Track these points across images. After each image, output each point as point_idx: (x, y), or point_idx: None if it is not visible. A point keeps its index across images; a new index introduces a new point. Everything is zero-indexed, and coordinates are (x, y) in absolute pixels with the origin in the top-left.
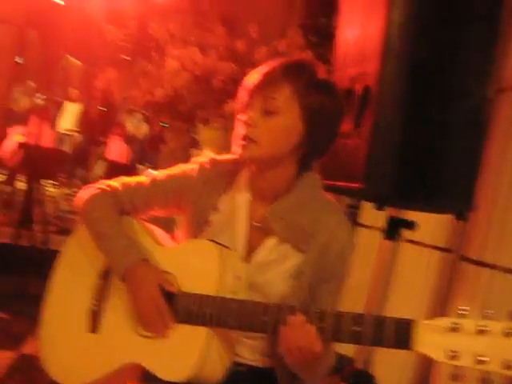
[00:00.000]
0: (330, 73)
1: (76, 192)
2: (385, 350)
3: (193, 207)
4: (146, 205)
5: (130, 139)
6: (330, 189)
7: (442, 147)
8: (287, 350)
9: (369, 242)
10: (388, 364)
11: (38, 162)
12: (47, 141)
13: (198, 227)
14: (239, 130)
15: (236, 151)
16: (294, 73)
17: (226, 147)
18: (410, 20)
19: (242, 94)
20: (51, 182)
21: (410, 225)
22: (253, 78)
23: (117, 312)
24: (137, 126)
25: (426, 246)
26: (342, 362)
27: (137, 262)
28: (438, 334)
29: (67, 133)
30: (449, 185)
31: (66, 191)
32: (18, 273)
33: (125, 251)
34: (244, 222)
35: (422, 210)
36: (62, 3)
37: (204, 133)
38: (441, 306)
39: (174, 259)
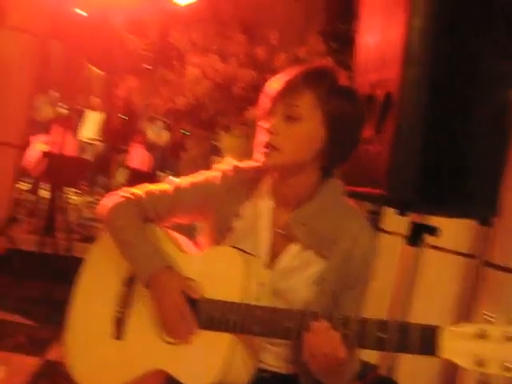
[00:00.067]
0: (351, 79)
1: (98, 200)
2: (409, 356)
3: (216, 214)
4: (170, 212)
5: (151, 147)
6: (351, 195)
7: (464, 152)
8: (311, 356)
9: (391, 248)
10: (412, 371)
11: (61, 171)
12: (70, 149)
13: (221, 234)
14: (261, 137)
15: (258, 158)
16: (316, 79)
17: (247, 154)
18: (431, 25)
19: (264, 102)
20: (74, 190)
21: (432, 230)
22: (274, 85)
23: (141, 318)
24: (158, 133)
25: (449, 251)
26: (366, 368)
27: (161, 269)
28: (465, 341)
29: (89, 141)
30: (472, 190)
31: (89, 199)
32: (43, 280)
33: (149, 258)
34: (267, 229)
35: (445, 215)
36: (85, 14)
37: (225, 140)
38: (465, 312)
39: (197, 266)
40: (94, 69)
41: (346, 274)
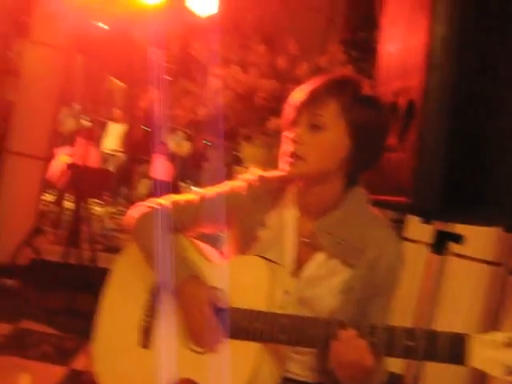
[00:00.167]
0: (373, 87)
1: (121, 211)
2: (435, 365)
3: (241, 224)
4: (196, 222)
5: (173, 157)
6: (374, 203)
7: (489, 160)
8: (338, 364)
9: (415, 256)
10: (438, 380)
11: (84, 182)
12: (93, 161)
13: (247, 243)
14: (286, 147)
15: (283, 168)
16: (340, 89)
17: (268, 164)
18: (454, 32)
19: (288, 112)
20: (97, 201)
21: (457, 238)
22: (298, 95)
23: (168, 328)
24: (179, 144)
25: (474, 259)
26: (392, 378)
27: (187, 279)
28: (494, 349)
29: (112, 153)
30: (497, 197)
31: (111, 210)
32: (68, 290)
33: (175, 268)
34: (292, 238)
35: (470, 223)
36: (106, 27)
37: (247, 150)
38: (491, 320)
39: (223, 275)
40: (116, 81)
41: (372, 282)
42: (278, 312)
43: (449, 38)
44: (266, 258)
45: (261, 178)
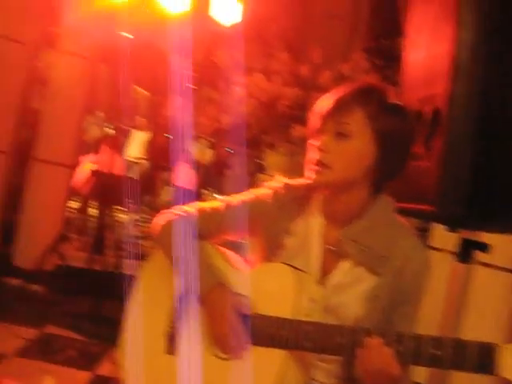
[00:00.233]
0: (398, 95)
1: (144, 218)
2: (460, 375)
3: (266, 231)
4: (221, 230)
5: (195, 165)
6: (399, 211)
7: None
8: (364, 373)
9: (440, 265)
10: None
11: (109, 189)
12: (117, 168)
13: (272, 251)
14: (312, 155)
15: (309, 176)
16: (365, 97)
17: (292, 172)
18: (480, 39)
19: (314, 120)
20: (121, 208)
21: (483, 247)
22: (324, 103)
23: (193, 334)
24: (202, 152)
25: (500, 268)
26: None
27: (212, 286)
28: None
29: (135, 160)
30: None
31: (135, 217)
32: (92, 296)
33: (201, 275)
34: (318, 246)
35: (496, 231)
36: (131, 36)
37: (270, 158)
38: None
39: (249, 282)
40: (140, 89)
41: (398, 290)
42: (303, 319)
43: (475, 45)
44: (291, 266)
45: (286, 185)
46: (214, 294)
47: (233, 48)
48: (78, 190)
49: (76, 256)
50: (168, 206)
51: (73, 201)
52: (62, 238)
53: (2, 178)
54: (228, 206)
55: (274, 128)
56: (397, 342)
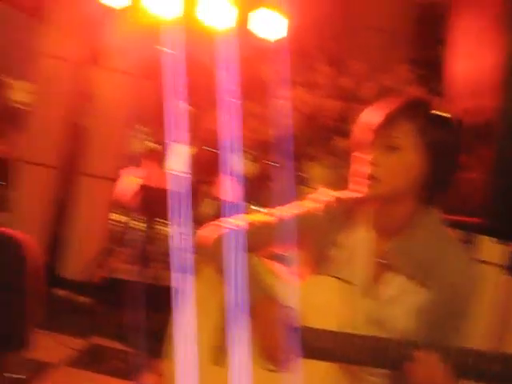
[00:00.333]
0: (443, 106)
1: (187, 231)
2: None
3: (315, 244)
4: (270, 242)
5: (239, 178)
6: (446, 223)
7: None
8: None
9: (487, 278)
10: None
11: (154, 203)
12: (161, 182)
13: (319, 263)
14: (357, 167)
15: (358, 189)
16: (414, 110)
17: (334, 184)
18: None
19: (360, 133)
20: (164, 221)
21: None
22: (371, 117)
23: (242, 346)
24: (245, 165)
25: None
26: None
27: (261, 298)
28: None
29: (177, 173)
30: None
31: (179, 230)
32: (138, 308)
33: (250, 288)
34: (366, 258)
35: None
36: (174, 52)
37: (313, 170)
38: None
39: (296, 294)
40: (182, 103)
41: (447, 303)
42: (351, 332)
43: None
44: (338, 278)
45: (338, 199)
46: (262, 306)
47: (276, 62)
48: (123, 203)
49: (122, 268)
50: (211, 219)
51: (118, 214)
52: (108, 251)
53: (50, 192)
54: (279, 219)
55: (317, 140)
56: (445, 356)
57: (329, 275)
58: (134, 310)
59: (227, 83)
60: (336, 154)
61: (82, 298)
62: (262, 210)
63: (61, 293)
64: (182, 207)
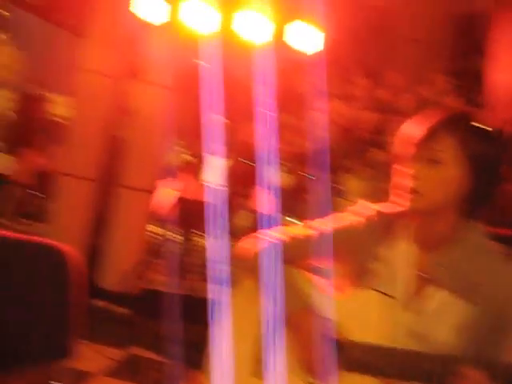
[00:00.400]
0: (483, 117)
1: (223, 243)
2: None
3: (355, 257)
4: (310, 255)
5: (274, 191)
6: (489, 236)
7: None
8: None
9: None
10: None
11: (190, 215)
12: (197, 194)
13: (360, 276)
14: (401, 181)
15: (400, 203)
16: (456, 124)
17: (371, 196)
18: None
19: (401, 146)
20: (200, 233)
21: None
22: (412, 130)
23: (281, 358)
24: (281, 177)
25: None
26: None
27: (300, 310)
28: None
29: (214, 186)
30: None
31: (215, 242)
32: (175, 319)
33: (289, 300)
34: (407, 271)
35: None
36: (208, 65)
37: (350, 182)
38: None
39: (336, 307)
40: (217, 116)
41: (494, 318)
42: (391, 346)
43: None
44: (379, 291)
45: (378, 212)
46: (301, 318)
47: (313, 74)
48: (161, 215)
49: (159, 280)
50: (246, 231)
51: (155, 226)
52: (146, 262)
53: (89, 204)
54: (318, 232)
55: (353, 153)
56: (490, 372)
57: (369, 288)
58: (171, 321)
59: (264, 96)
60: (372, 166)
61: (120, 309)
62: (297, 222)
63: (99, 303)
64: (218, 219)
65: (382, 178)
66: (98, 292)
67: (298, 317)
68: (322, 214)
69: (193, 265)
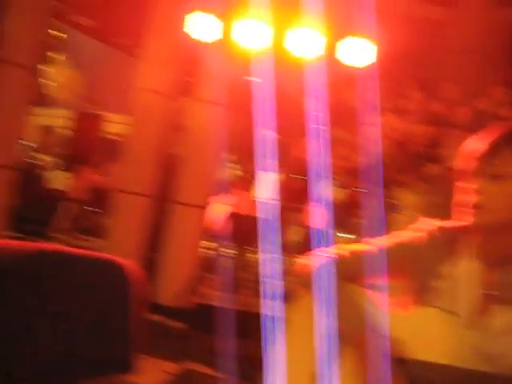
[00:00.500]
0: None
1: (275, 258)
2: None
3: (417, 274)
4: (371, 272)
5: (328, 205)
6: None
7: None
8: None
9: None
10: None
11: (244, 230)
12: (249, 209)
13: (422, 294)
14: (464, 197)
15: (464, 218)
16: None
17: (426, 210)
18: None
19: (464, 162)
20: (253, 248)
21: None
22: (474, 145)
23: (347, 376)
24: (333, 191)
25: None
26: None
27: (363, 328)
28: None
29: (265, 201)
30: None
31: (268, 257)
32: (229, 334)
33: (349, 317)
34: (471, 289)
35: None
36: (260, 81)
37: (404, 197)
38: None
39: (400, 325)
40: (268, 131)
41: None
42: (455, 365)
43: None
44: (442, 309)
45: (440, 228)
46: (362, 336)
47: (365, 88)
48: (214, 230)
49: (213, 295)
50: (299, 246)
51: (208, 241)
52: (200, 277)
53: (144, 220)
54: (380, 249)
55: (408, 167)
56: None
57: (432, 306)
58: (225, 336)
59: (315, 111)
60: (427, 181)
61: (175, 324)
62: (349, 237)
63: (154, 318)
64: (271, 234)
65: (437, 192)
66: (153, 307)
67: (359, 335)
68: (375, 229)
69: (246, 280)
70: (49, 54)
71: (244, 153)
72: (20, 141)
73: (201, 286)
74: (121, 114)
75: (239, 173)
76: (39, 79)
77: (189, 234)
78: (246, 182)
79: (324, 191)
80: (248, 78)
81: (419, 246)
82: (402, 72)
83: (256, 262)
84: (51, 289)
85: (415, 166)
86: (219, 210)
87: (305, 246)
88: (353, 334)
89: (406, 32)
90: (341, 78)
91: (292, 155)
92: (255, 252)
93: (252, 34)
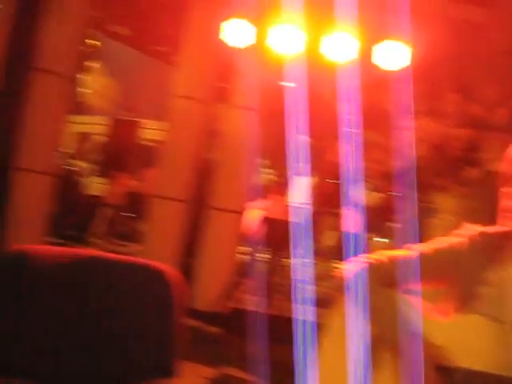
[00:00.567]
0: None
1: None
2: None
3: (460, 280)
4: (411, 278)
5: (362, 210)
6: None
7: None
8: None
9: None
10: None
11: (279, 235)
12: (283, 214)
13: (467, 300)
14: (509, 202)
15: (507, 224)
16: None
17: (465, 215)
18: None
19: (509, 167)
20: (287, 252)
21: None
22: None
23: (388, 382)
24: (367, 195)
25: None
26: None
27: (403, 335)
28: None
29: (300, 205)
30: None
31: (303, 261)
32: (263, 338)
33: (390, 324)
34: None
35: None
36: (294, 85)
37: (442, 201)
38: None
39: (445, 333)
40: (302, 136)
41: None
42: (502, 373)
43: None
44: (488, 316)
45: (482, 233)
46: (409, 343)
47: (400, 91)
48: (249, 235)
49: (248, 299)
50: (333, 250)
51: (244, 246)
52: (236, 282)
53: (180, 225)
54: (421, 255)
55: (445, 170)
56: None
57: (477, 313)
58: (260, 341)
59: (349, 114)
60: (466, 184)
61: (211, 328)
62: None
63: (192, 323)
64: (305, 239)
65: (475, 196)
66: (190, 312)
67: (406, 342)
68: (410, 233)
69: (280, 285)
70: (85, 62)
71: (278, 157)
72: (58, 148)
73: (237, 291)
74: (156, 120)
75: (273, 177)
76: (76, 88)
77: (225, 239)
78: (280, 186)
79: (358, 195)
80: (282, 83)
81: (459, 251)
82: (438, 74)
83: (289, 267)
84: (92, 294)
85: (453, 170)
86: (254, 216)
87: (339, 251)
88: (393, 340)
89: (443, 34)
90: (374, 81)
91: (326, 159)
92: (289, 257)
93: (286, 40)
